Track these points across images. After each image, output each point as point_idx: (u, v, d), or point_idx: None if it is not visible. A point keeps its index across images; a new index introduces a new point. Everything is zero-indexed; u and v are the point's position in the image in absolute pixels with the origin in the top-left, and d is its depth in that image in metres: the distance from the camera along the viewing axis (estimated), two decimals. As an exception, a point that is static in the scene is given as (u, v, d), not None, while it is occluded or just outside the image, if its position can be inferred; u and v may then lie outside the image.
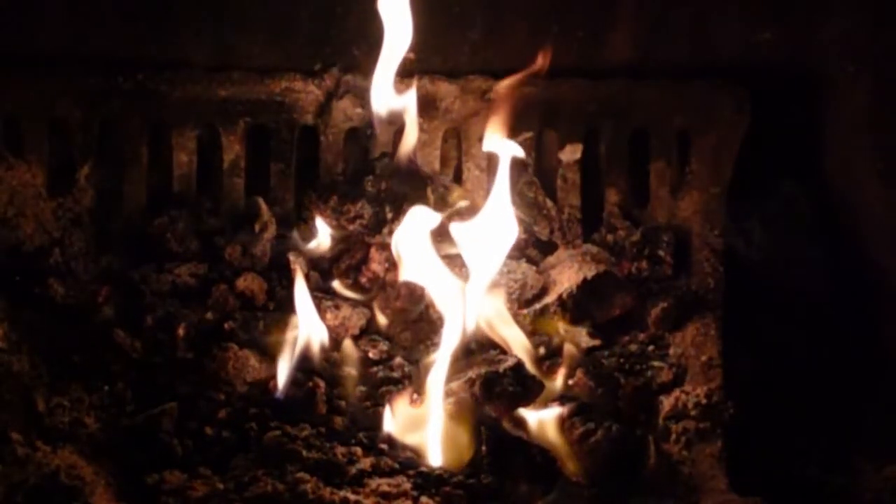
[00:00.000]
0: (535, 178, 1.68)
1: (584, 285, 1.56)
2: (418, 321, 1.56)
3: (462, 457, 1.41)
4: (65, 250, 1.59)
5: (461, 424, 1.42)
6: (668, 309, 1.58)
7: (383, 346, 1.55)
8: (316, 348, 1.49)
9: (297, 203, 1.66)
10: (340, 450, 1.42)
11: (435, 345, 1.49)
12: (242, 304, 1.56)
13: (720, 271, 1.62)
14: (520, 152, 1.55)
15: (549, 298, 1.57)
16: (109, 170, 1.65)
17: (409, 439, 1.42)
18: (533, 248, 1.65)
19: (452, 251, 1.55)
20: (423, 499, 1.36)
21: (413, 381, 1.49)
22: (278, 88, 1.65)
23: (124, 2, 1.62)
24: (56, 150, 1.64)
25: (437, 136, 1.67)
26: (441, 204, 1.59)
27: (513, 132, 1.59)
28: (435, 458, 1.41)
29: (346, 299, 1.57)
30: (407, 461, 1.41)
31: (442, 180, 1.64)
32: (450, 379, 1.44)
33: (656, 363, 1.55)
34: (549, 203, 1.67)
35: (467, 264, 1.52)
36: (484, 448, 1.40)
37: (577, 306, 1.56)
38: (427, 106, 1.64)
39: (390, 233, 1.57)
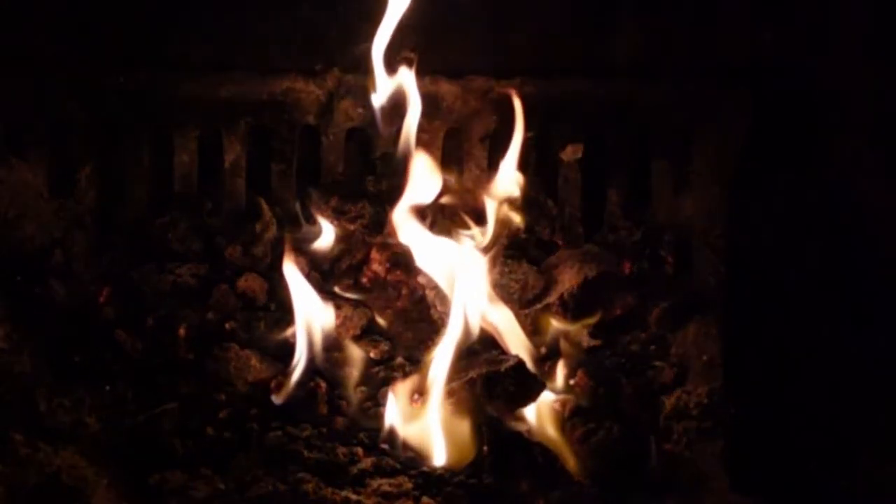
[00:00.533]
0: (536, 178, 1.68)
1: (586, 285, 1.56)
2: (419, 321, 1.56)
3: (463, 457, 1.41)
4: (66, 251, 1.59)
5: (462, 424, 1.42)
6: (669, 309, 1.58)
7: (384, 346, 1.55)
8: (319, 342, 1.49)
9: (298, 203, 1.66)
10: (342, 450, 1.42)
11: (436, 344, 1.49)
12: (243, 305, 1.57)
13: (721, 271, 1.61)
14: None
15: (551, 298, 1.57)
16: (111, 170, 1.65)
17: (411, 439, 1.42)
18: (534, 248, 1.65)
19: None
20: (425, 499, 1.36)
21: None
22: (279, 89, 1.65)
23: (125, 2, 1.62)
24: (57, 151, 1.64)
25: (439, 136, 1.67)
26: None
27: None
28: (436, 458, 1.41)
29: (347, 299, 1.57)
30: (408, 461, 1.41)
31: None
32: (451, 379, 1.44)
33: (658, 363, 1.55)
34: (551, 203, 1.67)
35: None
36: (485, 448, 1.40)
37: (579, 306, 1.56)
38: (428, 106, 1.63)
39: (391, 233, 1.57)
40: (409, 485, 1.38)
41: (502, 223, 1.59)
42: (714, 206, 1.64)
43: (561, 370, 1.53)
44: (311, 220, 1.61)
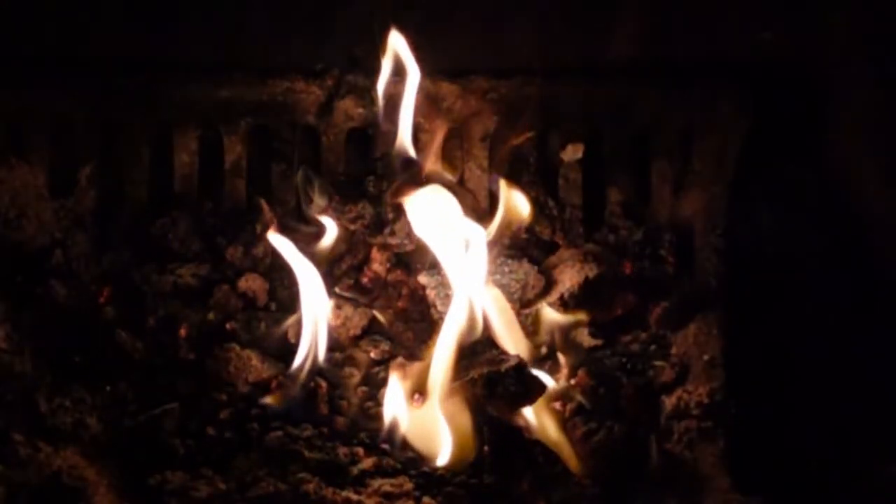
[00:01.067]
0: (536, 177, 1.68)
1: (586, 285, 1.56)
2: (420, 321, 1.56)
3: (464, 457, 1.41)
4: (66, 251, 1.59)
5: (463, 424, 1.42)
6: (669, 308, 1.58)
7: (385, 346, 1.55)
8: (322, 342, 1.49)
9: (299, 203, 1.66)
10: (342, 450, 1.42)
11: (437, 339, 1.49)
12: (244, 305, 1.57)
13: (722, 270, 1.61)
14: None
15: (551, 298, 1.57)
16: (111, 170, 1.65)
17: (411, 439, 1.42)
18: (534, 248, 1.65)
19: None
20: (426, 499, 1.36)
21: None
22: (279, 89, 1.65)
23: (125, 2, 1.62)
24: (58, 151, 1.64)
25: (439, 136, 1.67)
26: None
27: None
28: (437, 458, 1.41)
29: (348, 299, 1.57)
30: (409, 461, 1.41)
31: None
32: (452, 378, 1.44)
33: (658, 363, 1.55)
34: (551, 202, 1.67)
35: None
36: (486, 448, 1.40)
37: (579, 306, 1.56)
38: (428, 106, 1.63)
39: (392, 233, 1.57)
40: (410, 485, 1.38)
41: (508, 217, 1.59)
42: (714, 206, 1.64)
43: (561, 370, 1.53)
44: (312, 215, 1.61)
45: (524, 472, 1.39)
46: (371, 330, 1.57)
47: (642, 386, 1.52)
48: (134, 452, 1.40)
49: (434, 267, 1.58)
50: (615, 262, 1.62)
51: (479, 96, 1.66)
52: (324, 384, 1.49)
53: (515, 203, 1.60)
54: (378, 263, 1.60)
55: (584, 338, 1.56)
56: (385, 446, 1.42)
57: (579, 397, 1.49)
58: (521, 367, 1.45)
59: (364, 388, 1.51)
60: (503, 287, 1.56)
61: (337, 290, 1.58)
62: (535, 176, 1.68)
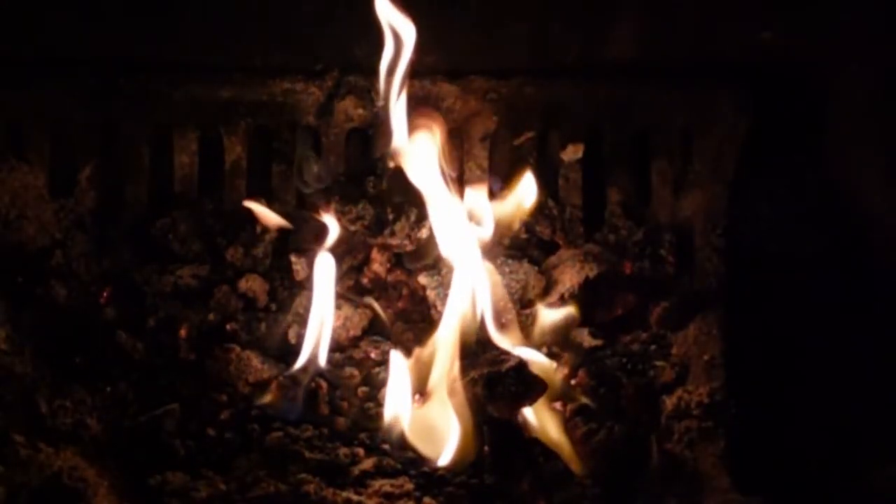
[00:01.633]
0: (536, 177, 1.68)
1: (586, 285, 1.56)
2: (420, 321, 1.56)
3: (465, 457, 1.41)
4: (67, 252, 1.59)
5: (464, 424, 1.42)
6: (670, 308, 1.58)
7: (385, 346, 1.55)
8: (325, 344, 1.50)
9: (299, 204, 1.66)
10: (343, 450, 1.42)
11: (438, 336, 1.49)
12: (244, 306, 1.57)
13: (722, 270, 1.61)
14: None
15: (552, 298, 1.57)
16: (111, 171, 1.65)
17: (412, 439, 1.42)
18: (535, 248, 1.65)
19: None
20: (426, 499, 1.36)
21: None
22: (279, 89, 1.65)
23: (125, 2, 1.62)
24: (57, 152, 1.64)
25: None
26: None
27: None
28: (437, 458, 1.41)
29: (348, 300, 1.57)
30: (409, 461, 1.41)
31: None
32: (452, 378, 1.44)
33: (659, 363, 1.55)
34: (551, 203, 1.67)
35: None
36: (486, 448, 1.41)
37: (579, 306, 1.56)
38: (428, 106, 1.63)
39: (392, 234, 1.57)
40: (411, 485, 1.38)
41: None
42: (715, 206, 1.64)
43: (562, 370, 1.53)
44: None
45: (524, 472, 1.39)
46: (371, 330, 1.57)
47: (643, 386, 1.53)
48: (134, 453, 1.40)
49: (434, 267, 1.58)
50: (615, 262, 1.62)
51: (479, 96, 1.66)
52: (324, 384, 1.49)
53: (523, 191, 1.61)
54: (378, 264, 1.60)
55: (585, 338, 1.56)
56: (385, 435, 1.42)
57: (583, 398, 1.49)
58: (521, 367, 1.45)
59: (364, 389, 1.51)
60: (503, 287, 1.56)
61: (337, 290, 1.58)
62: (536, 176, 1.68)
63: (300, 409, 1.46)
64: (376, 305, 1.58)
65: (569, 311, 1.56)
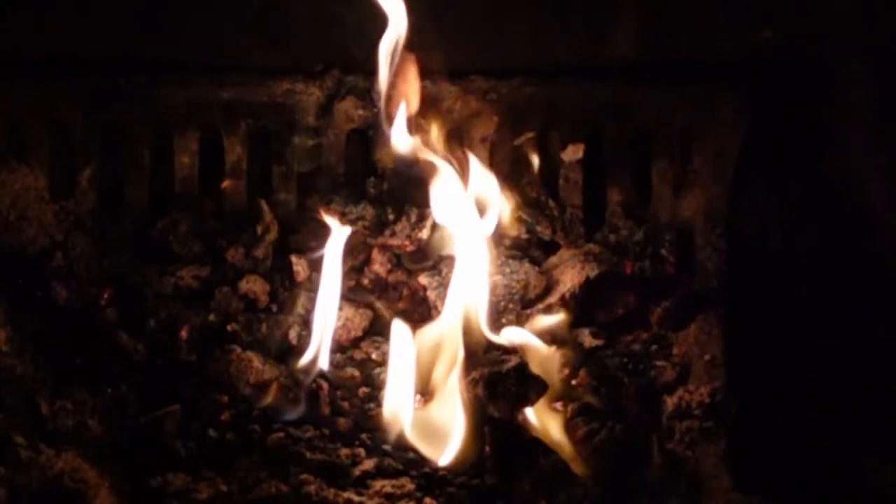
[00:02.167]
0: (537, 178, 1.68)
1: (587, 285, 1.56)
2: (421, 322, 1.56)
3: (466, 457, 1.41)
4: (67, 253, 1.59)
5: (465, 424, 1.42)
6: (670, 308, 1.58)
7: (386, 347, 1.54)
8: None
9: (299, 205, 1.66)
10: (344, 451, 1.42)
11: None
12: (245, 307, 1.57)
13: (723, 270, 1.62)
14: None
15: (552, 299, 1.57)
16: (112, 172, 1.65)
17: (413, 439, 1.42)
18: (535, 249, 1.65)
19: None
20: (427, 500, 1.36)
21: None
22: (279, 90, 1.65)
23: (125, 3, 1.62)
24: (58, 153, 1.64)
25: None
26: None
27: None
28: (438, 458, 1.41)
29: (349, 300, 1.57)
30: (410, 462, 1.41)
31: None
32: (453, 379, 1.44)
33: (660, 362, 1.55)
34: (552, 203, 1.67)
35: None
36: (488, 448, 1.41)
37: (580, 306, 1.56)
38: (428, 106, 1.63)
39: (392, 234, 1.57)
40: (412, 486, 1.38)
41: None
42: (715, 206, 1.65)
43: (563, 371, 1.53)
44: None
45: (526, 472, 1.39)
46: (372, 331, 1.57)
47: (643, 386, 1.52)
48: (135, 454, 1.40)
49: (434, 267, 1.58)
50: (616, 262, 1.63)
51: (479, 96, 1.66)
52: (325, 385, 1.49)
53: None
54: (379, 264, 1.60)
55: (586, 338, 1.56)
56: (384, 434, 1.42)
57: (587, 397, 1.49)
58: (522, 367, 1.45)
59: (365, 390, 1.51)
60: (504, 287, 1.56)
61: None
62: (536, 176, 1.68)
63: (301, 409, 1.46)
64: (379, 305, 1.58)
65: (560, 315, 1.56)
